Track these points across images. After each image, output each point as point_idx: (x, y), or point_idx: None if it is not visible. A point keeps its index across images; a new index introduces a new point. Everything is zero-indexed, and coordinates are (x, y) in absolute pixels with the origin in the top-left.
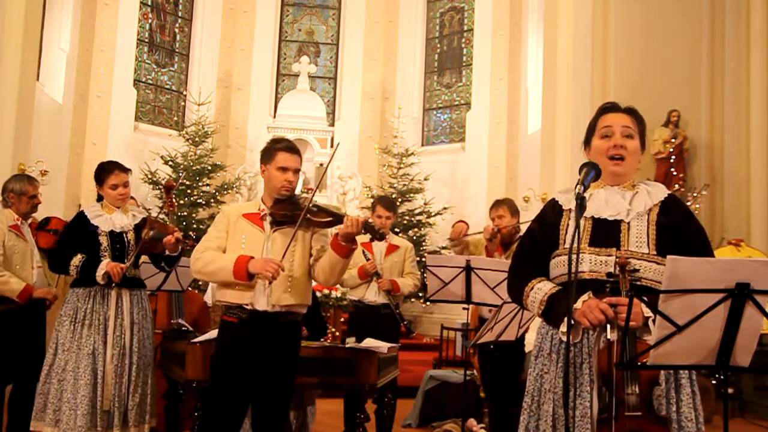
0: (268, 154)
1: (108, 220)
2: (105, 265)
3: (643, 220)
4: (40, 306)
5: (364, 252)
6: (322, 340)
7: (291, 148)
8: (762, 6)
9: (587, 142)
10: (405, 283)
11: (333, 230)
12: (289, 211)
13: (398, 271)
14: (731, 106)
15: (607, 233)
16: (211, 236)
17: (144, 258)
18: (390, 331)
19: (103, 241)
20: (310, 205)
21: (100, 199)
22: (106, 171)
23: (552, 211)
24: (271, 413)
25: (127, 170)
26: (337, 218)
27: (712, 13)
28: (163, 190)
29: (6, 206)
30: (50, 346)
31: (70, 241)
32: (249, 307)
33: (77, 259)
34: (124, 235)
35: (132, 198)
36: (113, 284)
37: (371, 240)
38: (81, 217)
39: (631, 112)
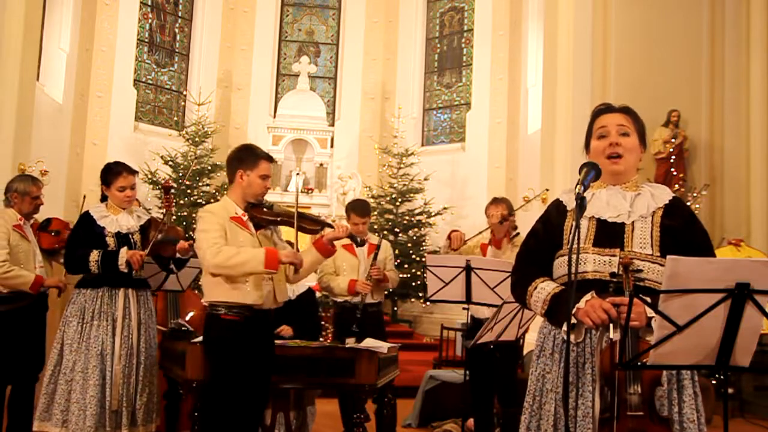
0: (250, 160)
1: (114, 221)
2: (125, 252)
3: (647, 221)
4: (40, 307)
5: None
6: (321, 340)
7: (271, 157)
8: (762, 6)
9: (587, 146)
10: (391, 277)
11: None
12: (272, 216)
13: (382, 268)
14: (731, 106)
15: (610, 234)
16: (216, 236)
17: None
18: (376, 329)
19: (111, 242)
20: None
21: (104, 199)
22: (113, 173)
23: (556, 212)
24: (263, 405)
25: (134, 172)
26: (323, 226)
27: (712, 13)
28: (161, 190)
29: (8, 206)
30: (55, 346)
31: (81, 240)
32: (256, 306)
33: (95, 255)
34: (130, 236)
35: (136, 200)
36: (133, 271)
37: (357, 245)
38: (87, 217)
39: (625, 110)
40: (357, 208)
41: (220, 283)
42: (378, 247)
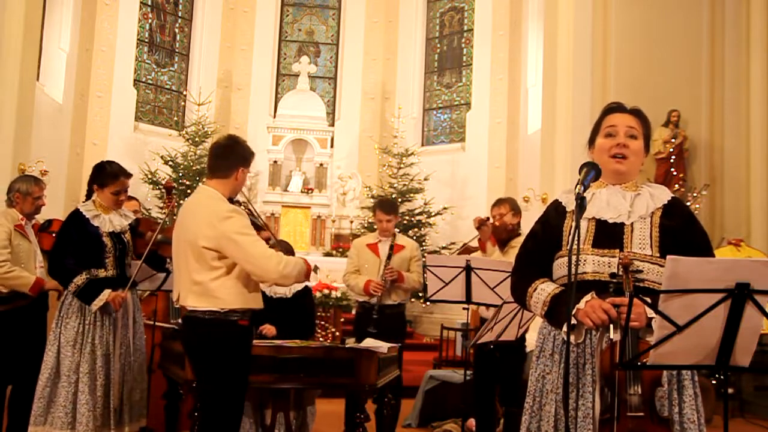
0: (246, 159)
1: (107, 221)
2: (106, 295)
3: (647, 222)
4: (41, 306)
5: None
6: (321, 340)
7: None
8: (762, 6)
9: (592, 142)
10: (410, 278)
11: None
12: (252, 217)
13: (404, 269)
14: (731, 106)
15: (610, 235)
16: (264, 242)
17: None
18: (395, 330)
19: (107, 242)
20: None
21: (89, 196)
22: (109, 176)
23: (555, 213)
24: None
25: (130, 175)
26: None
27: (712, 13)
28: (163, 190)
29: (10, 206)
30: (50, 348)
31: (70, 244)
32: (255, 309)
33: (81, 279)
34: (122, 235)
35: (135, 199)
36: (112, 313)
37: (375, 243)
38: (78, 216)
39: (636, 113)
40: (383, 206)
41: (242, 292)
42: (391, 247)
